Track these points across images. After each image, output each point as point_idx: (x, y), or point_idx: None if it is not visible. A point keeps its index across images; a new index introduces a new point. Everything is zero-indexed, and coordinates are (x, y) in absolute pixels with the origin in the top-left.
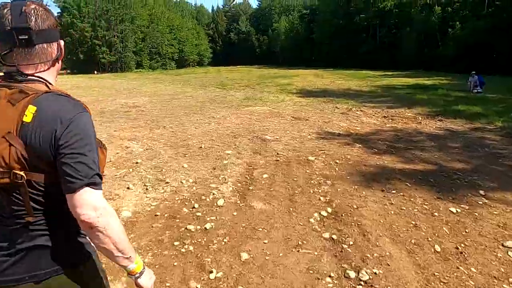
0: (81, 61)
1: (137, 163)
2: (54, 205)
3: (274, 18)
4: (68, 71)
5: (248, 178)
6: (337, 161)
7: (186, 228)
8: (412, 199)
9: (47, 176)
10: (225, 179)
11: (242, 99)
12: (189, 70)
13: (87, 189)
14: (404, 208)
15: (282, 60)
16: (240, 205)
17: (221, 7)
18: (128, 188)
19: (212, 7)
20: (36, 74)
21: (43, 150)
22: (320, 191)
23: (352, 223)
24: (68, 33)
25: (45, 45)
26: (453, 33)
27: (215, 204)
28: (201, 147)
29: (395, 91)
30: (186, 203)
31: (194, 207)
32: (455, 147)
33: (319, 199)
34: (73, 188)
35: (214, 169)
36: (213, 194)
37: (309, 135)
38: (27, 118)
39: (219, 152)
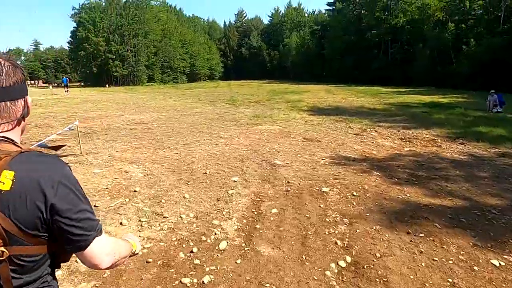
0: (94, 74)
1: (135, 191)
2: (34, 278)
3: (285, 34)
4: (82, 83)
5: (255, 213)
6: (354, 193)
7: (180, 281)
8: (444, 246)
9: (30, 248)
10: (229, 214)
11: (252, 117)
12: (199, 84)
13: (96, 239)
14: (437, 259)
15: (293, 75)
16: (245, 249)
17: (233, 22)
18: (121, 223)
19: (224, 22)
20: (0, 134)
21: (31, 217)
22: (336, 232)
23: (377, 279)
24: (83, 47)
25: (8, 103)
26: (468, 50)
27: (217, 247)
28: (205, 173)
29: (410, 109)
30: (184, 245)
31: (192, 251)
32: (483, 177)
33: (336, 243)
34: (85, 246)
35: (218, 200)
36: (215, 234)
37: (322, 159)
38: (5, 186)
39: (224, 179)
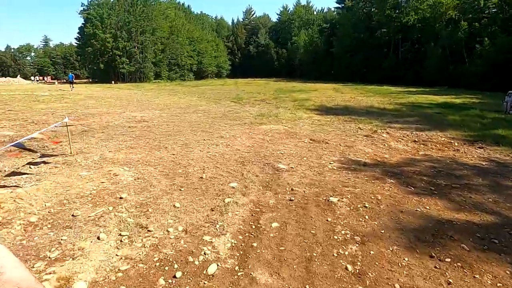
0: (101, 70)
1: (121, 198)
2: None
3: (294, 32)
4: (90, 80)
5: (253, 227)
6: (366, 204)
7: None
8: (477, 276)
9: None
10: (223, 228)
11: (256, 116)
12: (206, 81)
13: None
14: None
15: (300, 74)
16: (239, 274)
17: (241, 20)
18: (98, 238)
19: (232, 20)
20: None
21: None
22: (346, 253)
23: None
24: (90, 43)
25: None
26: (481, 49)
27: (205, 272)
28: (201, 177)
29: (422, 110)
30: (167, 267)
31: (175, 277)
32: (510, 187)
33: (346, 269)
34: None
35: (212, 210)
36: (205, 253)
37: (330, 163)
38: None
39: (222, 184)
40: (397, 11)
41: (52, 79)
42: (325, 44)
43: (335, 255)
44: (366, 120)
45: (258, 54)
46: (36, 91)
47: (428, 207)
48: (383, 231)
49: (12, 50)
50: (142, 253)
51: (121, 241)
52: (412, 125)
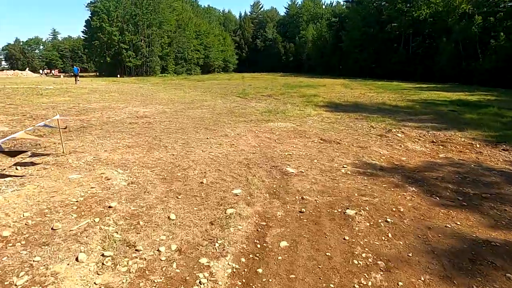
0: (108, 64)
1: (110, 207)
2: None
3: (302, 26)
4: (97, 73)
5: (259, 246)
6: (388, 218)
7: None
8: None
9: None
10: (223, 248)
11: (263, 112)
12: (213, 76)
13: None
14: None
15: (308, 68)
16: None
17: (249, 13)
18: (76, 259)
19: (240, 13)
20: None
21: None
22: (369, 284)
23: None
24: (97, 36)
25: None
26: (496, 44)
27: None
28: (202, 182)
29: (437, 107)
30: None
31: None
32: None
33: None
34: None
35: (212, 224)
36: (200, 282)
37: (343, 167)
38: None
39: (224, 191)
40: (408, 5)
41: (59, 72)
42: (334, 39)
43: (357, 286)
44: (379, 118)
45: (265, 49)
46: (41, 84)
47: (459, 223)
48: (410, 254)
49: (21, 43)
50: (126, 280)
51: (103, 263)
52: (427, 123)
